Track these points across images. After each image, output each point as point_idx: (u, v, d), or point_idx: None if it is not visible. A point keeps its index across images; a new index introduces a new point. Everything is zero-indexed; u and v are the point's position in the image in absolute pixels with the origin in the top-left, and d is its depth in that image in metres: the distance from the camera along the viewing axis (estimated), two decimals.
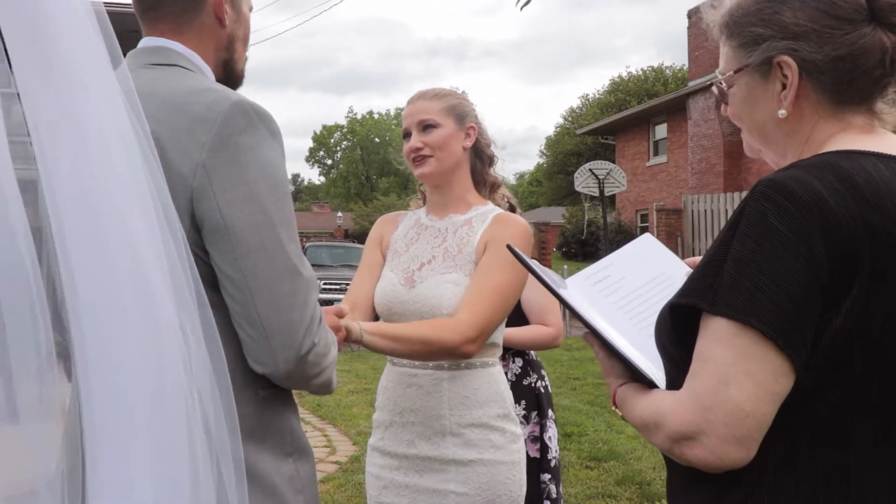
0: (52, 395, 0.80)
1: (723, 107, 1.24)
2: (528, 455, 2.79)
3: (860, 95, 1.12)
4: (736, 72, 1.17)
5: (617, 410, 1.21)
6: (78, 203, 0.80)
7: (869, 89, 1.12)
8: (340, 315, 1.70)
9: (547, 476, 2.84)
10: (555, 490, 2.85)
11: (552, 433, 2.92)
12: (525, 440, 2.82)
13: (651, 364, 1.17)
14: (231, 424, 0.95)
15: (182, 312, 0.88)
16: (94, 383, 0.81)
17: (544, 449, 2.87)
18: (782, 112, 1.13)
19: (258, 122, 1.25)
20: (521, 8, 3.59)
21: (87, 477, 0.81)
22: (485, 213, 2.07)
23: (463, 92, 2.17)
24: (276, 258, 1.22)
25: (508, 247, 1.43)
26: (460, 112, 2.08)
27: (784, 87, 1.12)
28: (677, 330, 1.08)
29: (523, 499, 2.03)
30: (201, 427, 0.88)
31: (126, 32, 1.42)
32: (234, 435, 0.96)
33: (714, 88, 1.23)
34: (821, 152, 1.10)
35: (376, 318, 2.08)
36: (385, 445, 2.06)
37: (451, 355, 1.90)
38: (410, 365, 2.01)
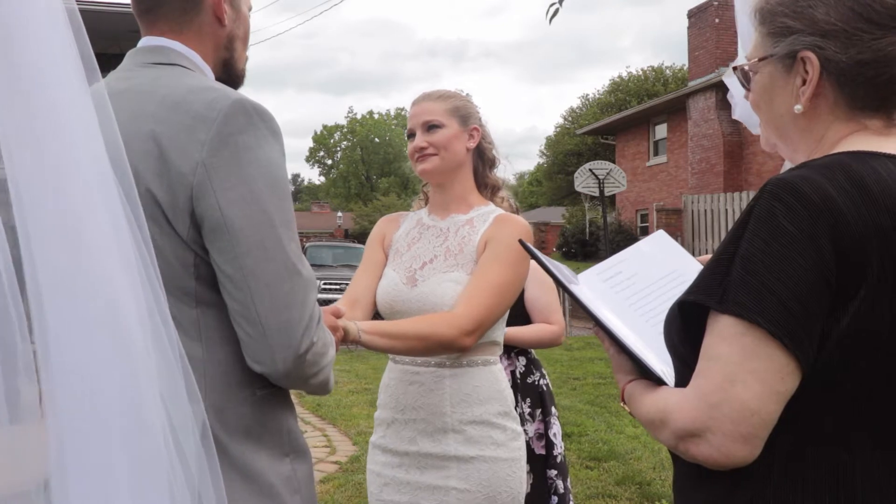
0: (36, 396, 0.80)
1: (744, 93, 1.24)
2: (534, 452, 2.82)
3: (879, 102, 1.11)
4: (761, 59, 1.17)
5: (625, 406, 1.21)
6: (43, 207, 0.80)
7: (890, 98, 1.11)
8: (338, 315, 1.71)
9: (553, 472, 2.87)
10: (562, 485, 2.88)
11: (556, 430, 2.95)
12: (531, 438, 2.85)
13: (661, 361, 1.18)
14: (202, 428, 0.95)
15: (149, 315, 0.87)
16: (60, 389, 0.80)
17: (549, 445, 2.89)
18: (798, 107, 1.13)
19: (259, 121, 1.25)
20: (550, 21, 3.57)
21: (66, 485, 0.80)
22: (486, 214, 2.09)
23: (467, 94, 2.20)
24: (275, 257, 1.21)
25: (520, 241, 1.44)
26: (464, 113, 2.10)
27: (804, 82, 1.12)
28: (686, 327, 1.09)
29: (523, 496, 2.05)
30: (168, 432, 0.87)
31: (126, 32, 1.42)
32: (205, 438, 0.95)
33: (739, 72, 1.23)
34: (832, 152, 1.10)
35: (377, 314, 2.09)
36: (387, 443, 2.07)
37: (448, 349, 1.91)
38: (412, 362, 2.03)
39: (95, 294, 0.82)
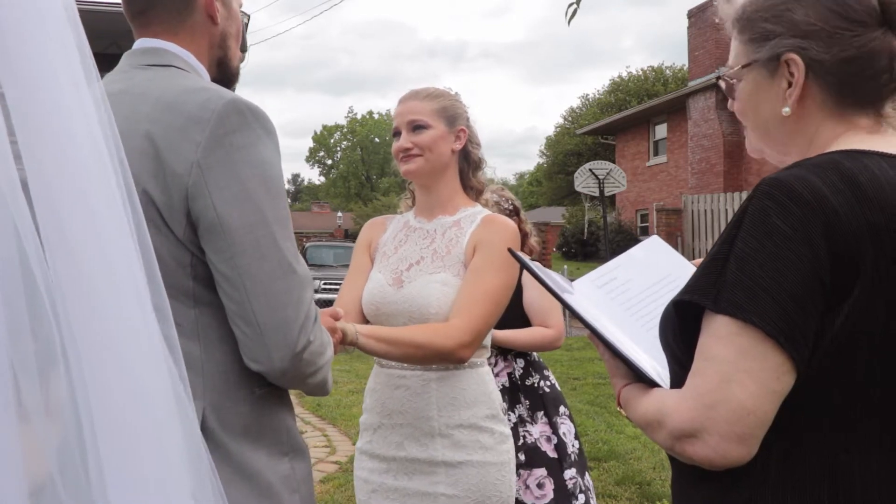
0: (52, 394, 0.80)
1: (729, 101, 1.24)
2: (546, 455, 2.75)
3: (866, 99, 1.12)
4: (744, 66, 1.17)
5: (622, 411, 1.21)
6: (54, 208, 0.80)
7: (875, 93, 1.12)
8: (336, 317, 1.70)
9: (571, 471, 2.78)
10: (582, 483, 2.79)
11: (567, 429, 2.87)
12: (537, 440, 2.78)
13: (657, 364, 1.18)
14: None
15: (156, 315, 0.88)
16: (89, 384, 0.81)
17: (562, 445, 2.82)
18: (786, 110, 1.13)
19: (252, 120, 1.25)
20: (569, 22, 3.56)
21: (92, 479, 0.80)
22: (473, 215, 2.06)
23: (456, 93, 2.15)
24: (270, 256, 1.22)
25: (509, 250, 1.42)
26: (452, 114, 2.06)
27: (790, 84, 1.12)
28: (681, 327, 1.09)
29: (513, 499, 2.02)
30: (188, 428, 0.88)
31: (126, 33, 1.42)
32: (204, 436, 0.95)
33: (721, 82, 1.23)
34: (825, 152, 1.10)
35: (366, 322, 2.06)
36: (374, 448, 2.04)
37: (445, 360, 1.89)
38: (399, 366, 2.00)
39: (108, 294, 0.82)
